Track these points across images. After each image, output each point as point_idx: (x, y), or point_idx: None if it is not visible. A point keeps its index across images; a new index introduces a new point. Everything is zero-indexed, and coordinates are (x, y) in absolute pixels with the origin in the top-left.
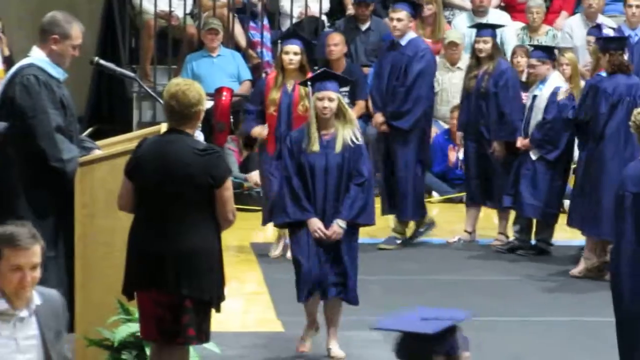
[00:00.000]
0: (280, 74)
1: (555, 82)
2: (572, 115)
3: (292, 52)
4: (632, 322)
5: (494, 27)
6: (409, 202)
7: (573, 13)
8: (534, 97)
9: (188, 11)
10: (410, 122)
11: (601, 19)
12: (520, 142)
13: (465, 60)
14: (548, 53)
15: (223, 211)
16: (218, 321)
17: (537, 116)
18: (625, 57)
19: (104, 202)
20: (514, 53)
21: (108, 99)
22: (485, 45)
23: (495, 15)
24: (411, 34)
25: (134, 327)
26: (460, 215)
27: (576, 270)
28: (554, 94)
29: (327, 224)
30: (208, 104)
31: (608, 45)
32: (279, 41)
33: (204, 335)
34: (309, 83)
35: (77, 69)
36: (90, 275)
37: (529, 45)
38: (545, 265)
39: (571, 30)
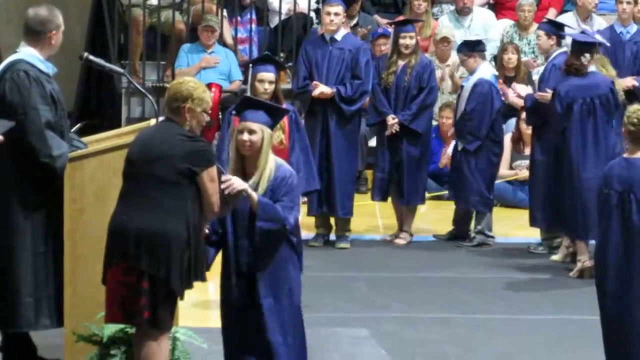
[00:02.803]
0: None
1: (480, 74)
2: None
3: (268, 80)
4: (618, 323)
5: (414, 22)
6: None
7: (561, 10)
8: (462, 88)
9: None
10: (355, 109)
11: (594, 17)
12: (450, 133)
13: (454, 57)
14: (470, 47)
15: (207, 202)
16: (206, 317)
17: (460, 107)
18: (584, 60)
19: (93, 197)
20: (504, 50)
21: (97, 95)
22: (412, 41)
23: (479, 14)
24: (343, 29)
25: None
26: (448, 212)
27: (572, 272)
28: (476, 85)
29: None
30: None
31: (572, 46)
32: (250, 65)
33: (159, 321)
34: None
35: (66, 64)
36: (79, 270)
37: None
38: (532, 263)
39: None
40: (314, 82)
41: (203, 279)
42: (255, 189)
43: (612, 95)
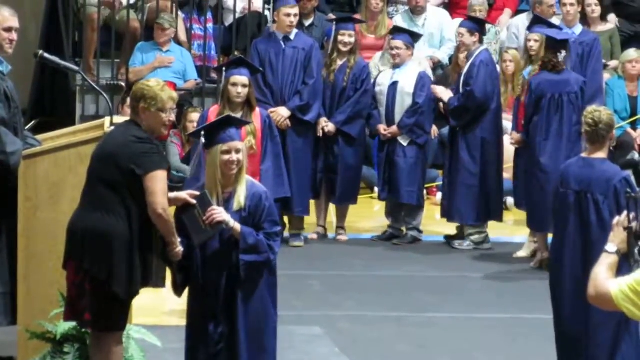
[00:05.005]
0: (226, 107)
1: (416, 68)
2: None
3: (241, 84)
4: (571, 325)
5: (355, 21)
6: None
7: (516, 10)
8: (394, 83)
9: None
10: (315, 114)
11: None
12: (385, 130)
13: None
14: (414, 39)
15: (149, 202)
16: (160, 313)
17: (403, 102)
18: (560, 57)
19: (48, 195)
20: (460, 49)
21: (51, 92)
22: (350, 39)
23: (434, 13)
24: (295, 29)
25: None
26: None
27: (532, 263)
28: (422, 78)
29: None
30: None
31: (547, 44)
32: (224, 69)
33: (102, 323)
34: (202, 132)
35: (20, 62)
36: (33, 268)
37: (395, 26)
38: (486, 262)
39: (517, 31)
40: (270, 111)
41: (161, 284)
42: (231, 206)
43: (582, 94)
